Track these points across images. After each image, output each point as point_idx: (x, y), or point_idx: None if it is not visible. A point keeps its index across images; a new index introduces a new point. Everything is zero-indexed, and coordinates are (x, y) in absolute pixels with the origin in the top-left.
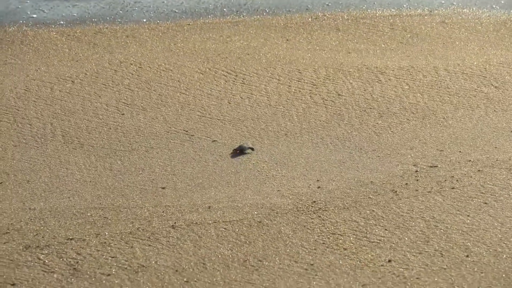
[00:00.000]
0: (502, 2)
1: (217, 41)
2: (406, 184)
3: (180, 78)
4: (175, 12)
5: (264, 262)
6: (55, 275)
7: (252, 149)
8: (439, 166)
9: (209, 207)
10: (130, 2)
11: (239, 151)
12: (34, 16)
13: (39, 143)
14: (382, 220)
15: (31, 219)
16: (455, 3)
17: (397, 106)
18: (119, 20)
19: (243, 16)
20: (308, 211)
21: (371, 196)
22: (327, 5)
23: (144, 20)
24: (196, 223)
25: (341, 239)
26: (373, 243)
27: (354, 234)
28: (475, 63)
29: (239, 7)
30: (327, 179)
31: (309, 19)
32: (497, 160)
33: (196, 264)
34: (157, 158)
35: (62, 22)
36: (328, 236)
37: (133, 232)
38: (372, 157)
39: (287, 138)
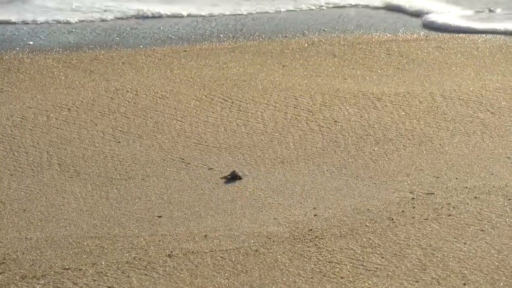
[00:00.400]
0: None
1: (214, 67)
2: (403, 211)
3: (177, 106)
4: (172, 38)
5: None
6: None
7: (240, 177)
8: (435, 193)
9: (206, 235)
10: (126, 28)
11: (231, 177)
12: (31, 43)
13: (36, 171)
14: (378, 248)
15: (27, 249)
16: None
17: (393, 133)
18: (115, 46)
19: (240, 42)
20: (305, 240)
21: (367, 224)
22: (323, 30)
23: (141, 46)
24: (193, 252)
25: (338, 267)
26: (370, 271)
27: (351, 263)
28: (471, 88)
29: (235, 33)
30: (323, 207)
31: (305, 44)
32: (493, 186)
33: None
34: (153, 186)
35: (58, 49)
36: (325, 265)
37: (130, 262)
38: (368, 184)
39: (284, 166)
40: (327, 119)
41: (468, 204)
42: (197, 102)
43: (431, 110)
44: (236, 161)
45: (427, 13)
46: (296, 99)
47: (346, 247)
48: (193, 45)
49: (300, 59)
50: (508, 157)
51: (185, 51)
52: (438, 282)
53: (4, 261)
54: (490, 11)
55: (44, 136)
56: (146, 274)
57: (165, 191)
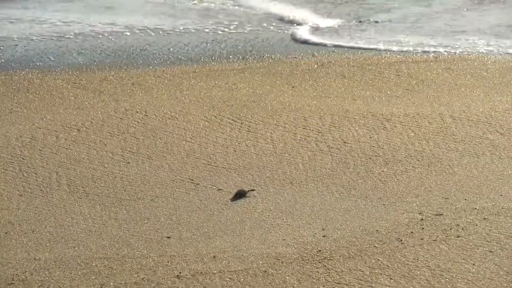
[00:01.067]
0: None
1: (223, 88)
2: (412, 232)
3: (186, 126)
4: (181, 59)
5: None
6: None
7: (246, 193)
8: (444, 214)
9: (214, 256)
10: (136, 49)
11: (239, 195)
12: (40, 64)
13: (45, 192)
14: (387, 269)
15: (36, 270)
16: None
17: (402, 154)
18: (124, 67)
19: (249, 63)
20: (313, 261)
21: (376, 245)
22: (333, 51)
23: (150, 67)
24: (201, 273)
25: None
26: None
27: (359, 284)
28: (481, 109)
29: (245, 53)
30: (332, 228)
31: (315, 66)
32: (502, 208)
33: None
34: (162, 207)
35: (68, 70)
36: (334, 286)
37: (138, 282)
38: (377, 205)
39: (293, 186)
40: (336, 140)
41: (477, 225)
42: (206, 122)
43: (440, 131)
44: (245, 182)
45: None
46: (306, 120)
47: (355, 268)
48: (202, 66)
49: (309, 80)
50: None
51: (195, 72)
52: None
53: (13, 281)
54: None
55: (54, 157)
56: None
57: (174, 211)
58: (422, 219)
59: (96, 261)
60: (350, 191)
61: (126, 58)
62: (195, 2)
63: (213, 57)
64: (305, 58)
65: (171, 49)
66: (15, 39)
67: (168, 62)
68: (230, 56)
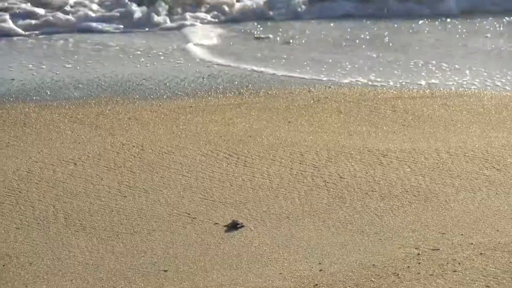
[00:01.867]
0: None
1: (219, 123)
2: (408, 267)
3: (182, 161)
4: (178, 94)
5: None
6: None
7: (241, 225)
8: (441, 249)
9: None
10: (132, 84)
11: (232, 227)
12: (37, 98)
13: (42, 225)
14: None
15: None
16: (456, 84)
17: (399, 189)
18: (121, 102)
19: (245, 98)
20: None
21: (373, 279)
22: (329, 87)
23: (146, 102)
24: None
25: None
26: None
27: None
28: (477, 145)
29: (241, 89)
30: (329, 262)
31: (311, 101)
32: (499, 243)
33: None
34: (159, 240)
35: (64, 104)
36: None
37: None
38: (374, 240)
39: (289, 221)
40: (332, 175)
41: (473, 260)
42: (202, 157)
43: (436, 167)
44: (242, 216)
45: None
46: (302, 155)
47: None
48: (199, 101)
49: (305, 115)
50: None
51: (191, 107)
52: None
53: None
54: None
55: (50, 190)
56: None
57: (171, 245)
58: (419, 254)
59: None
60: (347, 226)
61: (122, 93)
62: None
63: (209, 92)
64: (301, 94)
65: (167, 83)
66: (12, 72)
67: (164, 97)
68: (227, 91)
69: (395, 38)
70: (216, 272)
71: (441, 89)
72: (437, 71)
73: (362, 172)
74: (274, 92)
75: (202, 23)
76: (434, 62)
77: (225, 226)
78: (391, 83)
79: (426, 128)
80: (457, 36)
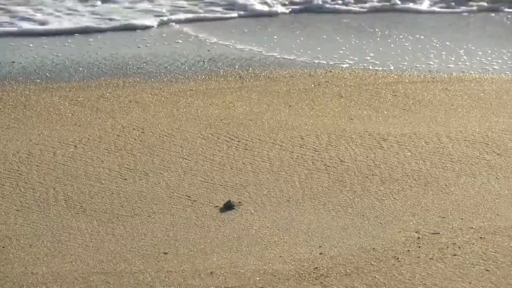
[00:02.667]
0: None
1: (220, 106)
2: (408, 251)
3: (183, 144)
4: (179, 77)
5: None
6: None
7: (234, 205)
8: (441, 233)
9: (211, 272)
10: (133, 67)
11: (227, 207)
12: (38, 80)
13: (42, 207)
14: (384, 287)
15: (33, 284)
16: (458, 69)
17: (399, 173)
18: (122, 85)
19: (246, 82)
20: (310, 278)
21: (373, 263)
22: (330, 71)
23: (147, 85)
24: None
25: None
26: None
27: None
28: (477, 130)
29: (241, 72)
30: (329, 246)
31: (312, 85)
32: (499, 227)
33: None
34: (159, 223)
35: (65, 87)
36: None
37: None
38: (374, 224)
39: (289, 204)
40: (333, 158)
41: (473, 244)
42: (203, 140)
43: (437, 151)
44: (242, 199)
45: None
46: (302, 138)
47: (352, 285)
48: (199, 85)
49: (306, 99)
50: None
51: (192, 90)
52: None
53: None
54: None
55: (51, 173)
56: None
57: (171, 228)
58: (419, 238)
59: (93, 276)
60: (347, 209)
61: (123, 76)
62: None
63: (210, 76)
64: (302, 78)
65: (168, 67)
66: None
67: (165, 80)
68: (228, 76)
69: (397, 24)
70: (216, 254)
71: (442, 74)
72: (437, 56)
73: (363, 156)
74: (274, 75)
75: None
76: (436, 46)
77: (216, 207)
78: (392, 68)
79: (427, 112)
80: (459, 20)
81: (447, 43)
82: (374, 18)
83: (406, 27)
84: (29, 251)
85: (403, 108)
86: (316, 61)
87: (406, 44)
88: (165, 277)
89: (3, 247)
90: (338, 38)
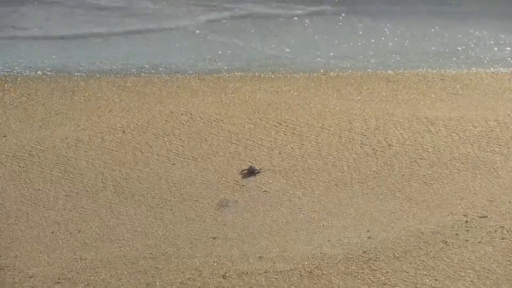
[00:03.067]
0: None
1: (268, 91)
2: (457, 234)
3: (231, 129)
4: (226, 65)
5: None
6: None
7: (258, 171)
8: (489, 216)
9: (260, 257)
10: (180, 52)
11: (249, 172)
12: (86, 66)
13: (90, 193)
14: (432, 271)
15: (82, 269)
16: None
17: (447, 157)
18: (169, 70)
19: (293, 70)
20: (359, 261)
21: (421, 246)
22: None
23: (194, 71)
24: (247, 273)
25: None
26: None
27: (404, 284)
28: None
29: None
30: (377, 229)
31: (359, 71)
32: None
33: None
34: (207, 208)
35: (113, 72)
36: (379, 287)
37: (184, 282)
38: (422, 208)
39: (338, 188)
40: (381, 142)
41: None
42: (251, 125)
43: (485, 135)
44: (290, 184)
45: None
46: (350, 123)
47: (400, 269)
48: (247, 72)
49: (354, 84)
50: None
51: (239, 75)
52: None
53: (59, 280)
54: None
55: (99, 158)
56: None
57: (220, 212)
58: (467, 221)
59: (142, 261)
60: (395, 193)
61: (171, 62)
62: None
63: (258, 66)
64: (351, 65)
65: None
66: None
67: (213, 66)
68: (274, 65)
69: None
70: (265, 239)
71: (489, 57)
72: (483, 42)
73: (411, 140)
74: (323, 63)
75: None
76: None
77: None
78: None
79: (475, 96)
80: (501, 6)
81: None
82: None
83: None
84: (77, 236)
85: (451, 92)
86: None
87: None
88: (214, 262)
89: (52, 232)
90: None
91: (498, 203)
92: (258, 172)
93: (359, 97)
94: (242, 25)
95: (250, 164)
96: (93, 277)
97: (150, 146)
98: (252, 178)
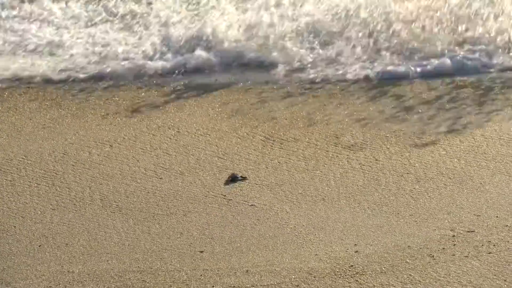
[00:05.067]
0: None
1: (255, 105)
2: (443, 248)
3: (218, 143)
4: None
5: None
6: None
7: (244, 178)
8: (476, 231)
9: (247, 271)
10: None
11: (231, 179)
12: (73, 81)
13: (78, 206)
14: (419, 285)
15: (69, 282)
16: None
17: (434, 171)
18: (156, 85)
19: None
20: (346, 275)
21: (408, 261)
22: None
23: (182, 85)
24: (234, 286)
25: None
26: None
27: None
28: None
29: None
30: (364, 243)
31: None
32: None
33: None
34: (195, 222)
35: (100, 87)
36: None
37: None
38: (409, 222)
39: (325, 203)
40: (368, 157)
41: (508, 242)
42: (238, 139)
43: (471, 150)
44: (277, 198)
45: None
46: (337, 137)
47: (387, 283)
48: (236, 85)
49: (341, 98)
50: None
51: (227, 89)
52: None
53: None
54: None
55: (86, 172)
56: None
57: (207, 226)
58: (454, 236)
59: (129, 274)
60: (382, 208)
61: (158, 75)
62: None
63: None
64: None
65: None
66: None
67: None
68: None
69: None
70: (252, 253)
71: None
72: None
73: (398, 154)
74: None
75: None
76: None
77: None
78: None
79: (461, 111)
80: None
81: None
82: None
83: None
84: (65, 250)
85: (438, 107)
86: None
87: None
88: (201, 275)
89: (40, 245)
90: None
91: (485, 218)
92: (241, 180)
93: (346, 112)
94: None
95: (231, 172)
96: None
97: (138, 160)
98: (239, 192)
